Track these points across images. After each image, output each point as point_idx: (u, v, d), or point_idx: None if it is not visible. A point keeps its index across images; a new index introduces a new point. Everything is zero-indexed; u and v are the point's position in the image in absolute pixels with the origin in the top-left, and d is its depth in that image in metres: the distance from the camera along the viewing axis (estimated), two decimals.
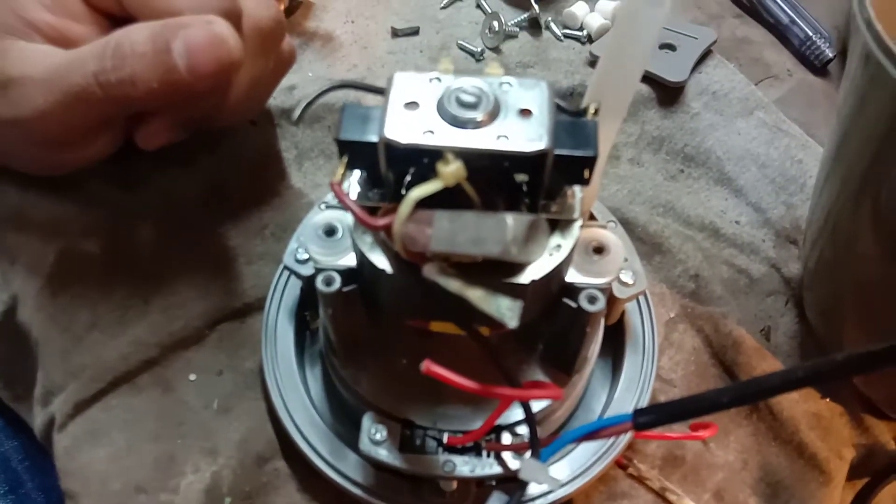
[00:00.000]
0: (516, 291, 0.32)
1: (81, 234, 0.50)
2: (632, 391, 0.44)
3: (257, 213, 0.52)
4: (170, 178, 0.52)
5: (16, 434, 0.63)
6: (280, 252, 0.50)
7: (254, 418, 0.45)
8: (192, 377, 0.47)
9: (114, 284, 0.49)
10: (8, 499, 0.61)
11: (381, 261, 0.33)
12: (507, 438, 0.38)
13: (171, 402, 0.46)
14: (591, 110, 0.33)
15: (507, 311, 0.27)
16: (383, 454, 0.38)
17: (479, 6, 0.66)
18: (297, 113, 0.33)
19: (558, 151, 0.30)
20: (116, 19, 0.43)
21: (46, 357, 0.48)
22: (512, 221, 0.27)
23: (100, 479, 0.44)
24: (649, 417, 0.30)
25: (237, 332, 0.48)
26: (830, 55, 0.64)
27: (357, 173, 0.34)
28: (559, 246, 0.33)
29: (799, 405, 0.47)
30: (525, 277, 0.32)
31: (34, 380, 0.50)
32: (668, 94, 0.60)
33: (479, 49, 0.63)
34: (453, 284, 0.29)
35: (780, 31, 0.67)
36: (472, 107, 0.30)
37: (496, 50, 0.63)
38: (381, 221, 0.30)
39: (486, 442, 0.38)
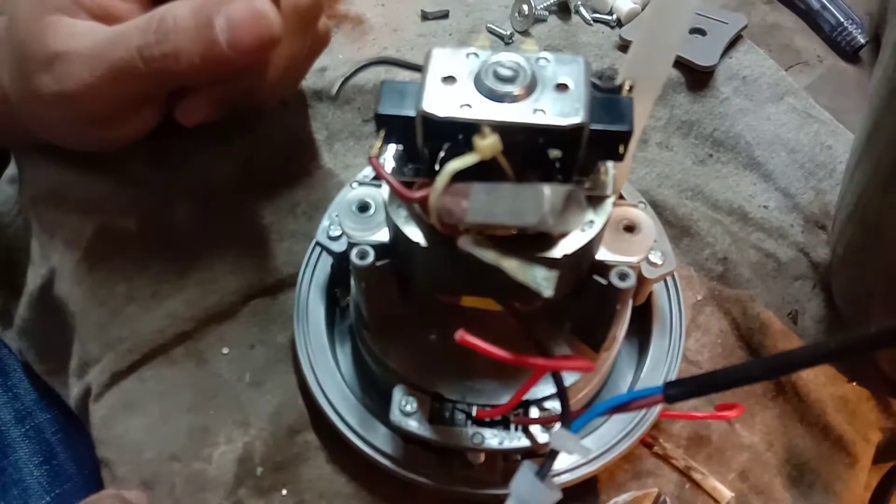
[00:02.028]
0: (549, 265, 0.33)
1: (119, 212, 0.51)
2: (658, 371, 0.45)
3: (289, 192, 0.53)
4: (205, 157, 0.54)
5: (49, 407, 0.65)
6: (311, 230, 0.52)
7: (285, 391, 0.46)
8: (225, 350, 0.48)
9: (150, 260, 0.50)
10: (42, 469, 0.63)
11: (415, 234, 0.34)
12: (534, 413, 0.39)
13: (205, 375, 0.47)
14: (626, 87, 0.34)
15: (542, 280, 0.28)
16: (413, 425, 0.38)
17: None
18: (335, 89, 0.34)
19: (594, 126, 0.30)
20: None
21: (83, 329, 0.49)
22: (549, 192, 0.28)
23: (135, 448, 0.45)
24: (680, 389, 0.30)
25: (269, 308, 0.49)
26: (862, 41, 0.64)
27: (391, 149, 0.35)
28: (591, 222, 0.34)
29: (826, 388, 0.47)
30: (558, 252, 0.33)
31: (69, 353, 0.51)
32: (697, 78, 0.60)
33: (509, 32, 0.63)
34: (489, 255, 0.29)
35: (811, 17, 0.67)
36: (510, 81, 0.30)
37: (525, 33, 0.63)
38: (418, 194, 0.31)
39: (514, 416, 0.39)
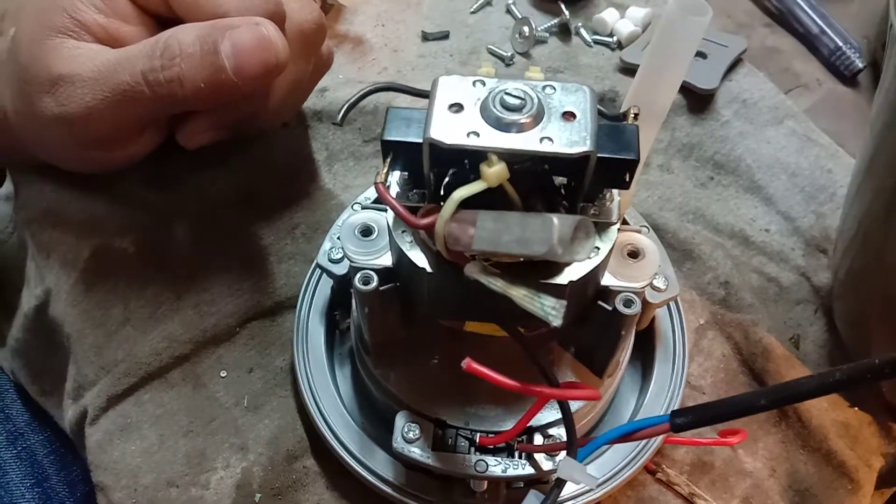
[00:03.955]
0: (555, 292, 0.32)
1: (116, 232, 0.51)
2: (662, 397, 0.44)
3: (288, 214, 0.53)
4: (203, 178, 0.53)
5: (41, 428, 0.64)
6: (310, 252, 0.51)
7: (284, 416, 0.46)
8: (223, 374, 0.47)
9: (147, 281, 0.50)
10: (34, 491, 0.62)
11: (420, 259, 0.33)
12: (538, 440, 0.38)
13: (203, 399, 0.46)
14: (632, 115, 0.34)
15: (550, 310, 0.28)
16: (416, 452, 0.38)
17: (508, 11, 0.67)
18: (339, 117, 0.34)
19: (601, 154, 0.30)
20: (164, 20, 0.43)
21: (79, 351, 0.48)
22: (558, 221, 0.28)
23: (131, 473, 0.44)
24: (686, 419, 0.30)
25: (268, 330, 0.49)
26: (860, 65, 0.64)
27: (396, 175, 0.35)
28: (597, 248, 0.34)
29: (828, 413, 0.47)
30: (563, 278, 0.33)
31: (63, 374, 0.51)
32: (698, 101, 0.60)
33: (509, 54, 0.63)
34: (497, 283, 0.29)
35: (809, 41, 0.67)
36: (517, 109, 0.30)
37: (526, 55, 0.63)
38: (425, 221, 0.31)
39: (517, 443, 0.38)
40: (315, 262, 0.47)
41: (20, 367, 0.60)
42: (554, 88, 0.31)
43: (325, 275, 0.47)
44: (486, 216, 0.29)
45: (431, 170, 0.32)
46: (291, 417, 0.46)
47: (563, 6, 0.65)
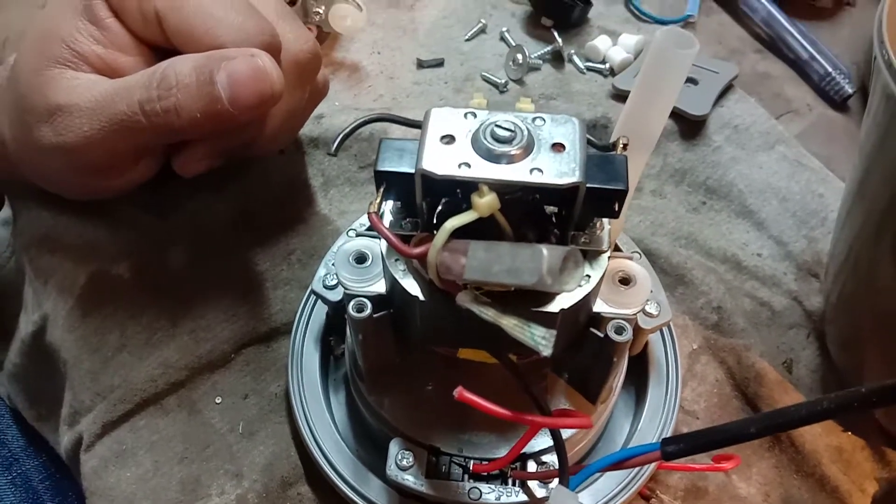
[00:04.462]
0: (546, 320, 0.33)
1: (112, 258, 0.51)
2: (655, 422, 0.44)
3: (284, 240, 0.53)
4: (200, 204, 0.54)
5: (37, 453, 0.64)
6: (306, 278, 0.52)
7: (278, 442, 0.46)
8: (218, 400, 0.48)
9: (143, 307, 0.50)
10: None
11: (413, 287, 0.34)
12: (532, 467, 0.39)
13: (198, 425, 0.47)
14: (620, 145, 0.34)
15: (541, 339, 0.28)
16: (410, 480, 0.38)
17: (502, 39, 0.67)
18: (334, 147, 0.34)
19: (590, 185, 0.31)
20: (161, 51, 0.44)
21: (75, 377, 0.49)
22: (547, 252, 0.28)
23: (126, 500, 0.44)
24: (677, 447, 0.30)
25: (263, 356, 0.49)
26: (850, 91, 0.65)
27: (389, 204, 0.35)
28: (588, 276, 0.34)
29: (821, 438, 0.47)
30: (555, 306, 0.33)
31: (59, 400, 0.51)
32: (690, 127, 0.60)
33: (503, 80, 0.64)
34: (488, 312, 0.29)
35: (799, 67, 0.68)
36: (507, 141, 0.31)
37: (520, 82, 0.64)
38: (417, 250, 0.31)
39: (511, 470, 0.39)
40: (310, 288, 0.48)
41: (17, 392, 0.60)
42: (543, 120, 0.32)
43: (319, 301, 0.47)
44: (478, 246, 0.30)
45: (424, 199, 0.32)
46: (286, 444, 0.46)
47: (556, 34, 0.66)
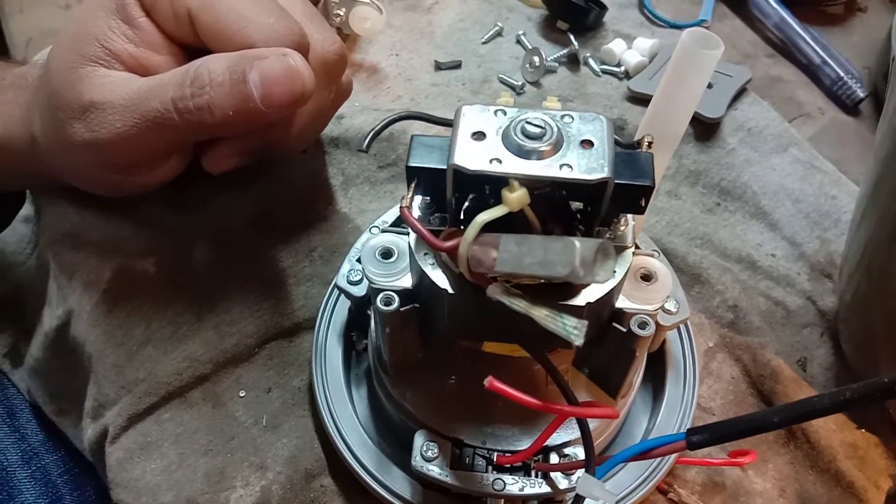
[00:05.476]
0: (572, 314, 0.33)
1: (137, 254, 0.52)
2: (673, 418, 0.45)
3: (306, 237, 0.54)
4: (223, 202, 0.55)
5: (56, 448, 0.64)
6: (328, 274, 0.52)
7: (302, 435, 0.47)
8: (242, 394, 0.48)
9: (168, 302, 0.51)
10: None
11: (442, 281, 0.35)
12: (554, 459, 0.39)
13: (222, 418, 0.47)
14: (646, 143, 0.35)
15: (573, 329, 0.29)
16: (435, 471, 0.39)
17: (519, 41, 0.68)
18: (366, 143, 0.35)
19: (618, 181, 0.32)
20: (192, 50, 0.45)
21: (100, 371, 0.49)
22: (580, 244, 0.29)
23: (151, 492, 0.45)
24: (702, 437, 0.31)
25: (286, 351, 0.50)
26: (861, 95, 0.66)
27: (418, 200, 0.36)
28: (613, 271, 0.35)
29: (836, 434, 0.48)
30: (581, 300, 0.34)
31: (81, 394, 0.52)
32: (704, 129, 0.61)
33: (520, 83, 0.65)
34: (519, 303, 0.30)
35: (811, 71, 0.69)
36: (538, 138, 0.32)
37: (536, 84, 0.65)
38: (448, 244, 0.32)
39: (534, 462, 0.39)
40: (333, 283, 0.49)
41: (38, 387, 0.61)
42: (572, 118, 0.33)
43: (342, 296, 0.48)
44: (509, 239, 0.30)
45: (453, 195, 0.33)
46: (309, 437, 0.47)
47: (571, 37, 0.67)
